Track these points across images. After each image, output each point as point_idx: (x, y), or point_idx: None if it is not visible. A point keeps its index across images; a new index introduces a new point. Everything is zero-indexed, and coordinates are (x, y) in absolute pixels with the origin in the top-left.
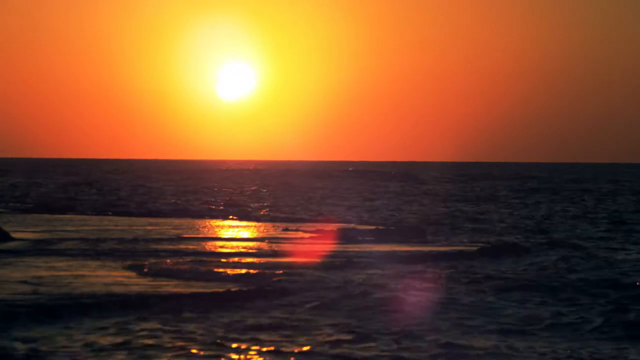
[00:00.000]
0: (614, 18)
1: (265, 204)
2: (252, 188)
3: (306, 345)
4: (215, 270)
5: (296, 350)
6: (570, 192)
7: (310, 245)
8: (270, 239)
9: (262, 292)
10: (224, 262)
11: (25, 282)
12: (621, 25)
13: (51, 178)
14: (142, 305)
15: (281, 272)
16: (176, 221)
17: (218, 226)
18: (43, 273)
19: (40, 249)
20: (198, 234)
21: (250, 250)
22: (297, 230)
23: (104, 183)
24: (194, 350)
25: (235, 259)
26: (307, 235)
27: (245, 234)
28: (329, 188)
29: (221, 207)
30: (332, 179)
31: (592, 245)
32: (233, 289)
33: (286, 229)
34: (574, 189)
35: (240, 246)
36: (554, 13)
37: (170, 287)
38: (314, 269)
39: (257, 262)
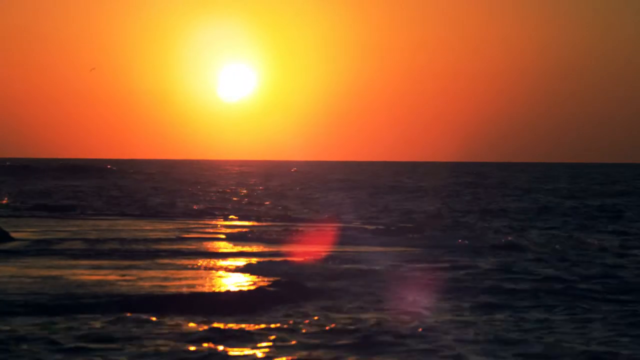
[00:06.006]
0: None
1: (265, 204)
2: (254, 188)
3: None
4: (213, 270)
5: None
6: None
7: (309, 245)
8: (270, 239)
9: (260, 293)
10: (223, 262)
11: (24, 281)
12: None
13: (50, 178)
14: (143, 304)
15: (278, 273)
16: (176, 221)
17: (218, 226)
18: (42, 273)
19: (40, 249)
20: (198, 234)
21: (249, 250)
22: (297, 230)
23: (104, 183)
24: (191, 348)
25: (234, 259)
26: (307, 235)
27: (245, 234)
28: (328, 187)
29: (221, 207)
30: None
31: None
32: (231, 290)
33: (286, 229)
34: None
35: (239, 246)
36: (554, 13)
37: (171, 287)
38: (312, 270)
39: (256, 262)
